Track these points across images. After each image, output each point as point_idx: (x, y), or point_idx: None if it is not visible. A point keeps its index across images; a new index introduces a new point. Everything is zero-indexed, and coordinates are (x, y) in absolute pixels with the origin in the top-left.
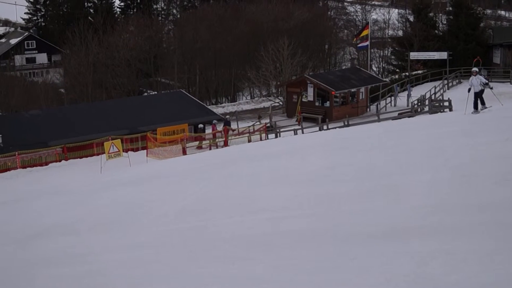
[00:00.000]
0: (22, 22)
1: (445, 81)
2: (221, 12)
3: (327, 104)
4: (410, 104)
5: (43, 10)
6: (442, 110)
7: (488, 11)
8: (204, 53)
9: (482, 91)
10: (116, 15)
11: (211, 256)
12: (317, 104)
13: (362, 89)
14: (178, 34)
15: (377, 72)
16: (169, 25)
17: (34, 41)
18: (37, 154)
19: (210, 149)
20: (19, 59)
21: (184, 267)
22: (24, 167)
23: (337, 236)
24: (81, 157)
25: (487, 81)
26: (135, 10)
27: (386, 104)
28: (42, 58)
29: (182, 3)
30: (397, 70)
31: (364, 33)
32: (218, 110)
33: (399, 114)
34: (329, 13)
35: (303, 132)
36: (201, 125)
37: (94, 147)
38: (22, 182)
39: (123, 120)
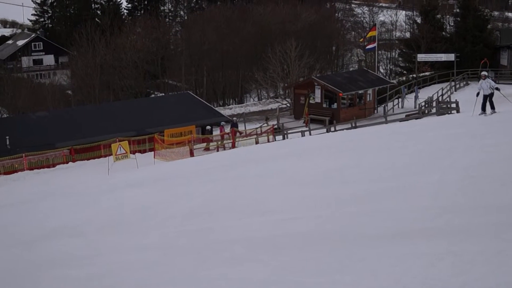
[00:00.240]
0: (29, 23)
1: (453, 83)
2: (229, 14)
3: (335, 106)
4: (417, 106)
5: (50, 11)
6: (449, 112)
7: (496, 13)
8: (212, 54)
9: (492, 94)
10: (123, 17)
11: (219, 258)
12: (324, 105)
13: (370, 91)
14: (185, 36)
15: (384, 74)
16: (176, 26)
17: (41, 43)
18: (44, 156)
19: (217, 150)
20: (26, 61)
21: (191, 269)
22: (31, 169)
23: (345, 237)
24: (88, 159)
25: (496, 86)
26: (142, 11)
27: (394, 105)
28: (49, 59)
29: (189, 4)
30: (405, 71)
31: (371, 34)
32: (226, 111)
33: (406, 115)
34: (336, 14)
35: (310, 134)
36: (208, 127)
37: (101, 148)
38: (29, 184)
39: (131, 121)
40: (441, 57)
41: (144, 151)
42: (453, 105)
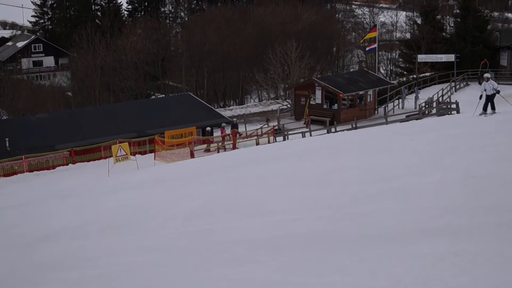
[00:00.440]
0: (29, 25)
1: (453, 84)
2: (229, 15)
3: (335, 106)
4: (417, 107)
5: (50, 13)
6: (449, 112)
7: (495, 14)
8: (212, 55)
9: (494, 95)
10: (124, 18)
11: (220, 259)
12: (325, 106)
13: (370, 92)
14: (185, 37)
15: (385, 75)
16: (176, 28)
17: (41, 44)
18: (44, 158)
19: (218, 152)
20: (26, 62)
21: (192, 270)
22: (31, 171)
23: (346, 238)
24: (88, 161)
25: (498, 87)
26: (142, 13)
27: (394, 106)
28: (49, 61)
29: (189, 6)
30: (405, 72)
31: (372, 35)
32: (226, 113)
33: (407, 116)
34: (337, 15)
35: (311, 135)
36: (208, 128)
37: (101, 150)
38: (29, 186)
39: (131, 123)
40: (441, 58)
41: (144, 153)
42: (453, 106)
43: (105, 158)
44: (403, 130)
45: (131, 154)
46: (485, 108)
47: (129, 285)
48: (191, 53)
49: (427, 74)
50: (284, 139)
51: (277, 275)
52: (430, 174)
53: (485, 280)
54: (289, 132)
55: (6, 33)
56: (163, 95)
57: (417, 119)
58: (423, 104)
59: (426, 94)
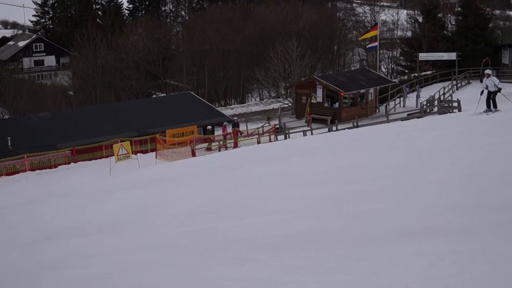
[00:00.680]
0: (30, 24)
1: (454, 82)
2: (230, 14)
3: (336, 105)
4: (419, 105)
5: (51, 12)
6: (451, 111)
7: (497, 12)
8: (213, 54)
9: (495, 93)
10: (125, 17)
11: (221, 258)
12: (326, 105)
13: (371, 90)
14: (186, 36)
15: (386, 73)
16: (177, 27)
17: (42, 44)
18: (46, 157)
19: (219, 150)
20: (27, 62)
21: (194, 269)
22: (33, 170)
23: (347, 237)
24: (90, 160)
25: (499, 84)
26: (143, 12)
27: (395, 105)
28: (50, 60)
29: (190, 5)
30: (406, 71)
31: (373, 33)
32: (227, 111)
33: (408, 115)
34: (338, 14)
35: (312, 133)
36: (209, 127)
37: (103, 149)
38: (31, 185)
39: (132, 122)
40: (442, 56)
41: (146, 152)
42: (455, 104)
43: (107, 157)
44: (405, 128)
45: (132, 153)
46: (488, 105)
47: (130, 284)
48: (192, 52)
49: (429, 72)
50: (285, 138)
51: (279, 274)
52: (431, 172)
53: (486, 279)
54: (290, 131)
55: (8, 33)
56: (164, 94)
57: (418, 117)
58: (425, 103)
59: (427, 92)
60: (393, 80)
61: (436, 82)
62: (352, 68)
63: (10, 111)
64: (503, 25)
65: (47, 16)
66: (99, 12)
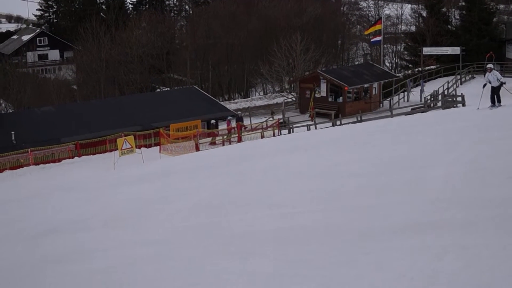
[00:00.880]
0: (34, 18)
1: (458, 76)
2: (234, 8)
3: (340, 99)
4: (423, 100)
5: (55, 6)
6: (455, 105)
7: (501, 6)
8: (217, 49)
9: (499, 87)
10: (128, 11)
11: (225, 252)
12: (330, 99)
13: (375, 85)
14: (190, 30)
15: (390, 68)
16: (181, 21)
17: (46, 38)
18: (50, 151)
19: (223, 145)
20: (31, 56)
21: (198, 263)
22: (37, 164)
23: (351, 231)
24: (94, 154)
25: (502, 78)
26: (147, 6)
27: (399, 99)
28: (54, 54)
29: None
30: (410, 65)
31: (377, 27)
32: (231, 106)
33: (412, 109)
34: (342, 8)
35: (316, 128)
36: (213, 121)
37: (107, 143)
38: (35, 179)
39: (136, 116)
40: (446, 51)
41: (149, 146)
42: (459, 99)
43: (111, 151)
44: (409, 123)
45: (136, 147)
46: (492, 101)
47: (134, 278)
48: (196, 46)
49: (433, 67)
50: (289, 132)
51: (283, 268)
52: (435, 167)
53: (491, 273)
54: (294, 125)
55: (11, 27)
56: (168, 89)
57: (422, 112)
58: (429, 97)
59: (431, 87)
60: (397, 74)
61: (440, 77)
62: (356, 63)
63: (14, 105)
64: (507, 20)
65: (51, 10)
66: (103, 6)
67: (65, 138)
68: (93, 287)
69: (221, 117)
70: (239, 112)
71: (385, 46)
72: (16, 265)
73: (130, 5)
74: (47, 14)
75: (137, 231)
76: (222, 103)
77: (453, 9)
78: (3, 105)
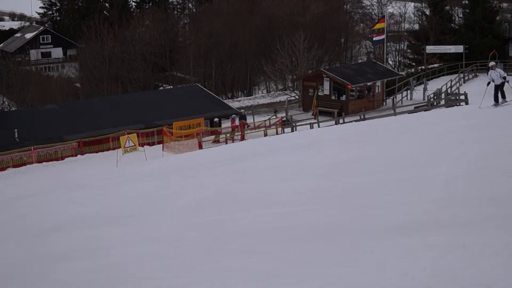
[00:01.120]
0: (37, 16)
1: (461, 75)
2: (237, 6)
3: (343, 98)
4: (426, 98)
5: (58, 4)
6: (458, 104)
7: (505, 5)
8: (220, 47)
9: (502, 84)
10: (132, 9)
11: (228, 250)
12: (333, 98)
13: (378, 83)
14: (193, 28)
15: (393, 66)
16: (184, 19)
17: (50, 36)
18: (53, 149)
19: (226, 143)
20: (34, 54)
21: (201, 261)
22: (40, 162)
23: (354, 229)
24: (97, 152)
25: (505, 75)
26: (150, 4)
27: (402, 97)
28: (57, 52)
29: None
30: (413, 63)
31: (380, 25)
32: (234, 104)
33: (415, 107)
34: (345, 6)
35: (319, 126)
36: (216, 119)
37: (110, 141)
38: (38, 177)
39: (139, 114)
40: (450, 49)
41: (152, 144)
42: (462, 97)
43: (114, 149)
44: (412, 121)
45: (139, 145)
46: (496, 99)
47: (137, 276)
48: (199, 44)
49: (436, 65)
50: (292, 131)
51: (285, 266)
52: (438, 165)
53: (494, 272)
54: (297, 124)
55: (15, 25)
56: (171, 86)
57: (425, 110)
58: (432, 96)
59: (434, 85)
60: (400, 73)
61: (443, 75)
62: (359, 61)
63: (17, 103)
64: (510, 18)
65: (54, 8)
66: (106, 4)
67: (68, 136)
68: (96, 284)
69: (224, 115)
70: (242, 110)
71: (388, 44)
72: (20, 262)
73: (133, 3)
74: (50, 12)
75: (140, 228)
76: (225, 101)
77: (457, 8)
78: (6, 103)
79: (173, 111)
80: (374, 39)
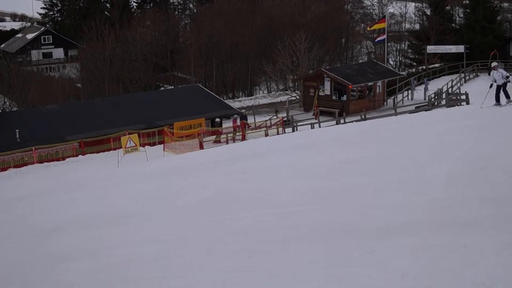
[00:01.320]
0: (39, 17)
1: (462, 75)
2: (238, 6)
3: (344, 98)
4: (427, 98)
5: (59, 5)
6: (459, 104)
7: (505, 4)
8: (221, 47)
9: (505, 84)
10: (133, 10)
11: (228, 250)
12: (334, 98)
13: (379, 83)
14: (194, 28)
15: (394, 66)
16: (185, 19)
17: (51, 36)
18: (54, 149)
19: (227, 143)
20: (35, 54)
21: (201, 261)
22: (41, 162)
23: (355, 229)
24: (98, 152)
25: (508, 75)
26: (151, 4)
27: (403, 97)
28: (58, 53)
29: None
30: (414, 63)
31: (380, 25)
32: (235, 104)
33: (416, 107)
34: (345, 6)
35: (320, 126)
36: (218, 119)
37: (111, 141)
38: (39, 177)
39: (140, 114)
40: (450, 49)
41: (153, 144)
42: (463, 97)
43: (115, 149)
44: (412, 121)
45: (140, 146)
46: (497, 99)
47: (137, 276)
48: (200, 45)
49: (436, 65)
50: (293, 131)
51: (286, 267)
52: (439, 165)
53: (494, 272)
54: (298, 124)
55: (16, 25)
56: (172, 87)
57: (426, 110)
58: (433, 95)
59: (435, 85)
60: (401, 73)
61: (444, 75)
62: (360, 61)
63: (18, 103)
64: (511, 18)
65: (56, 9)
66: (107, 5)
67: (69, 136)
68: (97, 285)
69: (225, 116)
70: (243, 111)
71: (389, 44)
72: (21, 262)
73: (134, 3)
74: (51, 13)
75: (141, 229)
76: (226, 101)
77: (457, 7)
78: (7, 103)
79: (174, 111)
80: (376, 40)
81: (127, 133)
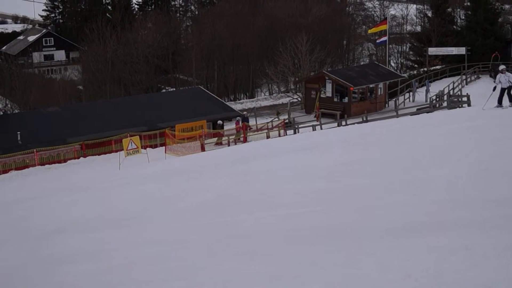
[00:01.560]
0: (40, 19)
1: (464, 77)
2: (239, 8)
3: (346, 100)
4: (428, 100)
5: (61, 7)
6: (460, 106)
7: (507, 6)
8: (222, 49)
9: (510, 88)
10: (134, 12)
11: (230, 253)
12: (335, 100)
13: (381, 85)
14: (196, 31)
15: (395, 68)
16: (187, 21)
17: (52, 38)
18: (56, 151)
19: (229, 145)
20: (37, 56)
21: (203, 264)
22: (43, 164)
23: (356, 231)
24: (99, 154)
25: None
26: (153, 6)
27: (405, 99)
28: (60, 55)
29: None
30: (416, 65)
31: (382, 27)
32: (237, 106)
33: (417, 109)
34: (347, 8)
35: (321, 128)
36: (220, 122)
37: (112, 144)
38: (40, 179)
39: (142, 116)
40: (452, 51)
41: (155, 146)
42: (464, 99)
43: (116, 151)
44: (414, 123)
45: (142, 148)
46: (500, 101)
47: (138, 278)
48: (202, 47)
49: (438, 67)
50: (295, 133)
51: (287, 268)
52: (440, 167)
53: (496, 274)
54: (300, 126)
55: (17, 27)
56: (174, 89)
57: (427, 112)
58: (434, 97)
59: (437, 87)
60: (403, 74)
61: (445, 77)
62: (362, 63)
63: (20, 105)
64: None
65: (57, 11)
66: (109, 7)
67: (70, 138)
68: (99, 287)
69: (226, 118)
70: (245, 113)
71: (390, 46)
72: (23, 264)
73: (136, 6)
74: (53, 15)
75: (142, 231)
76: (227, 103)
77: (459, 9)
78: (9, 105)
79: (176, 114)
80: (377, 41)
81: (128, 135)
